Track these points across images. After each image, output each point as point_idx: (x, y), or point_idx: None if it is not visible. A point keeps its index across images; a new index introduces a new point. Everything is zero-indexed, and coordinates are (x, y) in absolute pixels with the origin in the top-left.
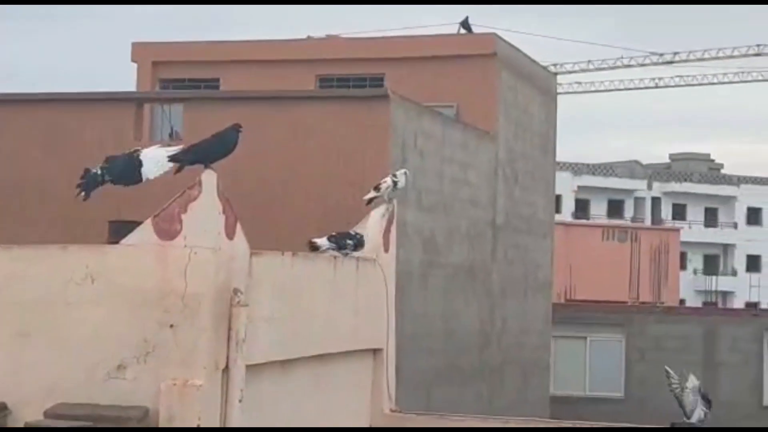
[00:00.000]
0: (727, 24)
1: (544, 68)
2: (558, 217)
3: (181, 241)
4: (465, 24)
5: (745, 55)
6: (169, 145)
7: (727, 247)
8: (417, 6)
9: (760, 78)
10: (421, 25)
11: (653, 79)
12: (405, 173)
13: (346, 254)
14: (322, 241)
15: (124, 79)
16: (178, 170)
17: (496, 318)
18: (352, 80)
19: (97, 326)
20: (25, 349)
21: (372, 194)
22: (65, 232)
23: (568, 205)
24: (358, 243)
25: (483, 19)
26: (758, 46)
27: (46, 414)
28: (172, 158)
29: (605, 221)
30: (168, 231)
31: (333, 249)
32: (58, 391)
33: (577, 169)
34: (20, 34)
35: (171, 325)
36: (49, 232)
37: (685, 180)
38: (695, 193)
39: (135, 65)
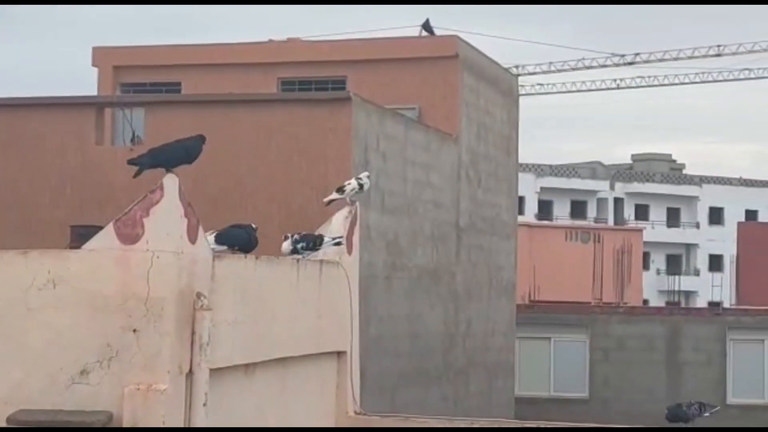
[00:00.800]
0: (687, 25)
1: (506, 70)
2: (521, 219)
3: (143, 245)
4: (426, 26)
5: (706, 56)
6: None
7: (689, 247)
8: (378, 7)
9: (721, 78)
10: (383, 28)
11: (614, 80)
12: (368, 176)
13: (304, 257)
14: (287, 245)
15: (85, 83)
16: (137, 173)
17: (461, 320)
18: (314, 83)
19: (59, 331)
20: None
21: (333, 195)
22: (26, 238)
23: (531, 207)
24: (316, 244)
25: (444, 21)
26: (718, 46)
27: (9, 420)
28: (130, 161)
29: (568, 222)
30: (130, 235)
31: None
32: (20, 398)
33: (539, 170)
34: None
35: (134, 330)
36: (9, 237)
37: (647, 180)
38: (657, 193)
39: (96, 69)
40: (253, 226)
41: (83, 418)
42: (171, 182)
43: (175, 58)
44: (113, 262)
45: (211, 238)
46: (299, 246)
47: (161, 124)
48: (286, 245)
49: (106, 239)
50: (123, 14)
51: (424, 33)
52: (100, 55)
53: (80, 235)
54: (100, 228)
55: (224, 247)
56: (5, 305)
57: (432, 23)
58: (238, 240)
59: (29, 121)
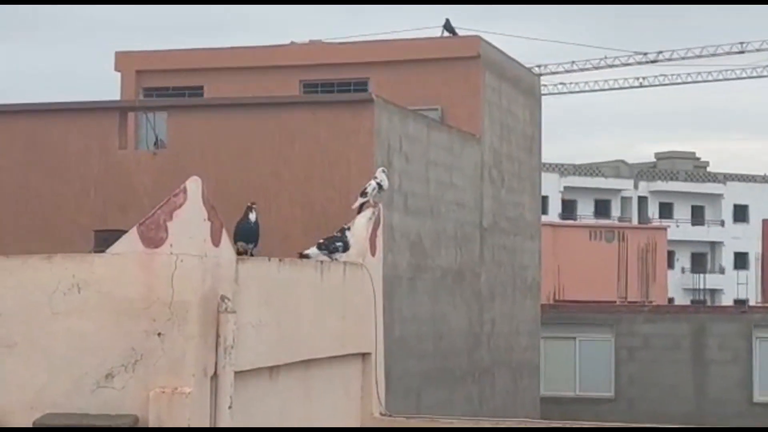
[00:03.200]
0: (710, 22)
1: (528, 70)
2: (545, 218)
3: (167, 248)
4: (448, 26)
5: (729, 53)
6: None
7: (714, 245)
8: (399, 7)
9: (744, 76)
10: (404, 29)
11: (637, 78)
12: (384, 171)
13: (335, 259)
14: (313, 251)
15: (108, 88)
16: None
17: (485, 320)
18: (337, 85)
19: (84, 336)
20: (10, 359)
21: (360, 200)
22: (50, 243)
23: (555, 206)
24: (346, 245)
25: (466, 21)
26: (741, 44)
27: (35, 424)
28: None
29: (592, 221)
30: (154, 239)
31: (325, 255)
32: (46, 402)
33: (563, 169)
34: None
35: (158, 333)
36: (33, 242)
37: (671, 179)
38: (681, 191)
39: (119, 74)
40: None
41: (109, 422)
42: (194, 186)
43: (197, 62)
44: (137, 265)
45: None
46: (338, 245)
47: (184, 128)
48: (313, 250)
49: (130, 243)
50: (145, 19)
51: (446, 33)
52: (122, 60)
53: (104, 240)
54: (124, 232)
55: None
56: (30, 310)
57: (453, 24)
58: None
59: (52, 126)
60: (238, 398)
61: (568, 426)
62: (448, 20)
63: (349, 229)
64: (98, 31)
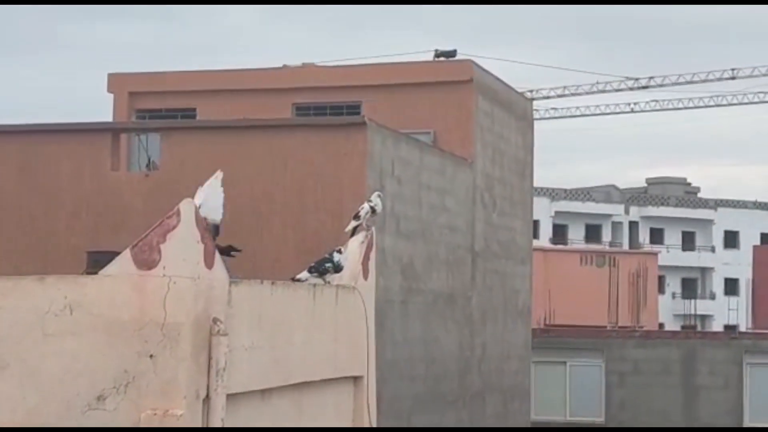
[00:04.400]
0: (701, 48)
1: (520, 94)
2: (536, 243)
3: (159, 270)
4: (441, 53)
5: (720, 79)
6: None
7: (705, 271)
8: (392, 32)
9: (735, 102)
10: (397, 53)
11: (629, 104)
12: (379, 195)
13: (328, 282)
14: (304, 275)
15: (101, 109)
16: None
17: (476, 344)
18: (329, 108)
19: (75, 357)
20: (1, 381)
21: (353, 223)
22: (42, 264)
23: (546, 231)
24: (337, 266)
25: (458, 45)
26: (733, 70)
27: None
28: None
29: (583, 246)
30: (146, 261)
31: (316, 278)
32: (37, 423)
33: (554, 194)
34: None
35: (150, 355)
36: (25, 263)
37: (662, 204)
38: (672, 217)
39: (111, 96)
40: None
41: None
42: (188, 208)
43: (190, 84)
44: (130, 287)
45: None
46: (328, 267)
47: (176, 150)
48: (304, 274)
49: (122, 265)
50: (139, 41)
51: (442, 58)
52: (115, 82)
53: (96, 261)
54: (117, 254)
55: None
56: (22, 331)
57: (445, 48)
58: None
59: (45, 147)
60: (230, 421)
61: None
62: (437, 51)
63: (339, 251)
64: (91, 52)
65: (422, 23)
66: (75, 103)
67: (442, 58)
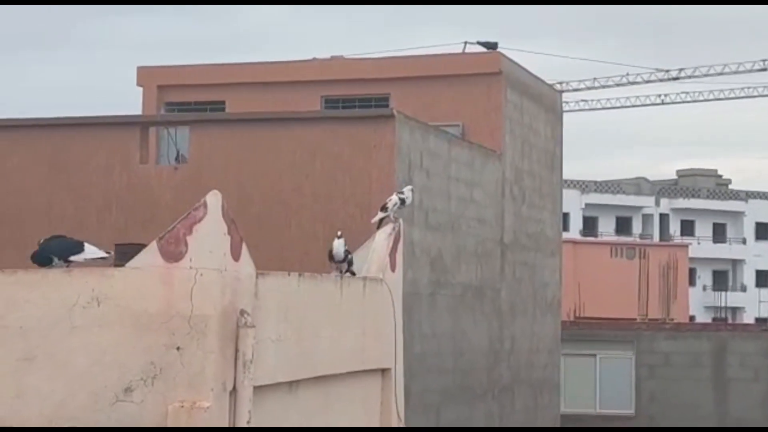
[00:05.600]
0: (732, 40)
1: (550, 86)
2: (566, 235)
3: (186, 262)
4: (487, 44)
5: (751, 71)
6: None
7: (736, 263)
8: (421, 24)
9: (766, 93)
10: (426, 45)
11: (659, 95)
12: (411, 189)
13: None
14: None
15: (130, 103)
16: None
17: (505, 337)
18: (358, 101)
19: (103, 349)
20: (29, 373)
21: (380, 215)
22: None
23: (576, 223)
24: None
25: (487, 38)
26: (764, 61)
27: None
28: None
29: (613, 238)
30: (173, 253)
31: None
32: (65, 415)
33: (584, 186)
34: (25, 59)
35: (178, 348)
36: None
37: (693, 196)
38: (703, 209)
39: (140, 89)
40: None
41: None
42: (214, 200)
43: (219, 77)
44: (157, 279)
45: None
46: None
47: (205, 143)
48: (340, 245)
49: (149, 257)
50: (167, 34)
51: (481, 48)
52: (144, 75)
53: (124, 254)
54: (144, 246)
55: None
56: (50, 324)
57: (473, 41)
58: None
59: (74, 141)
60: (257, 413)
61: None
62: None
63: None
64: (120, 46)
65: (452, 18)
66: (104, 98)
67: (480, 49)
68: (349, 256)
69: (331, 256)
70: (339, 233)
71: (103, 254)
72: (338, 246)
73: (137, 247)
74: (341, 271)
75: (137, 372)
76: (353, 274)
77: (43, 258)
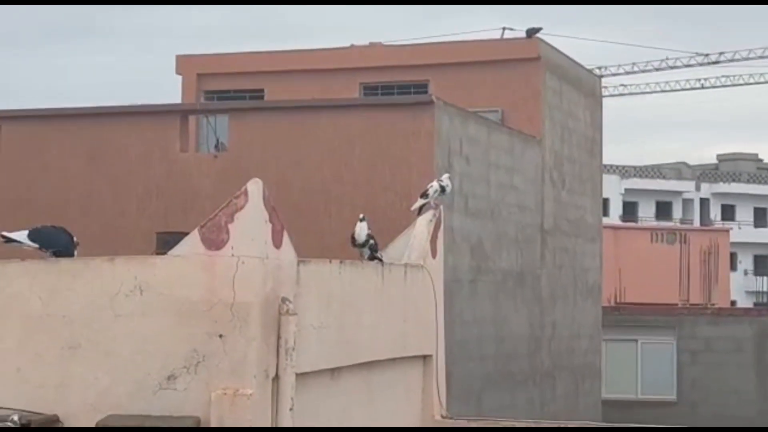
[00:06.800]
0: None
1: (589, 71)
2: (606, 220)
3: (228, 250)
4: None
5: None
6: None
7: None
8: (459, 8)
9: None
10: (464, 31)
11: (699, 80)
12: (449, 177)
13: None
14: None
15: (170, 91)
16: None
17: (546, 323)
18: (396, 87)
19: (146, 337)
20: (74, 361)
21: (420, 202)
22: (112, 246)
23: (616, 208)
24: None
25: (525, 23)
26: None
27: (98, 426)
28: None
29: (654, 223)
30: (215, 241)
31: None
32: (109, 403)
33: (624, 171)
34: (64, 49)
35: (220, 335)
36: (96, 246)
37: (734, 180)
38: (744, 193)
39: (180, 78)
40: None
41: (171, 424)
42: (255, 188)
43: (258, 65)
44: (199, 267)
45: (24, 233)
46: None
47: (245, 131)
48: (362, 229)
49: (191, 245)
50: (206, 22)
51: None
52: (183, 63)
53: (165, 242)
54: (185, 234)
55: (35, 245)
56: (93, 312)
57: (512, 26)
58: (57, 242)
59: (114, 130)
60: (300, 400)
61: (630, 426)
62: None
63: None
64: (159, 35)
65: (492, 5)
66: (143, 87)
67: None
68: (371, 241)
69: (353, 240)
70: (362, 216)
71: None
72: (360, 229)
73: (178, 236)
74: (363, 256)
75: (180, 360)
76: (380, 260)
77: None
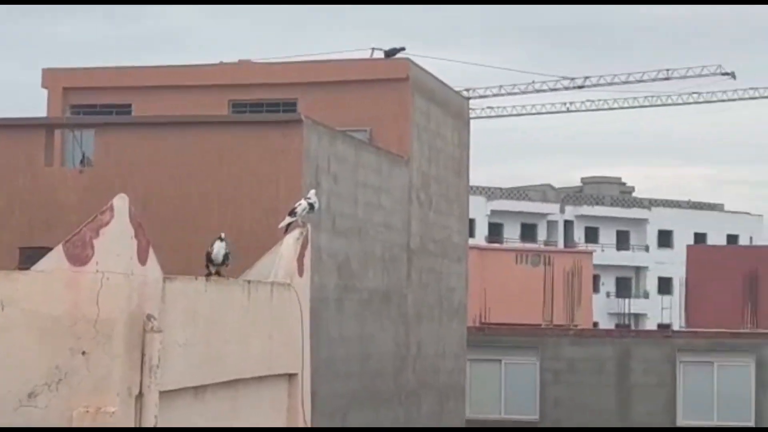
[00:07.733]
0: (636, 49)
1: (457, 93)
2: (472, 241)
3: (92, 266)
4: (392, 51)
5: (654, 80)
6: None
7: (639, 270)
8: (329, 29)
9: (669, 102)
10: (334, 50)
11: (564, 103)
12: (315, 193)
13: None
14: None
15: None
16: None
17: (412, 342)
18: (265, 105)
19: (7, 353)
20: None
21: (288, 220)
22: None
23: (482, 229)
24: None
25: (396, 44)
26: (667, 70)
27: None
28: None
29: (519, 245)
30: (79, 256)
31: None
32: None
33: (490, 193)
34: None
35: (83, 352)
36: None
37: (597, 203)
38: (607, 216)
39: (46, 91)
40: None
41: None
42: (121, 203)
43: (126, 80)
44: (63, 283)
45: None
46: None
47: (111, 146)
48: (220, 248)
49: (55, 260)
50: (73, 35)
51: (384, 54)
52: (49, 77)
53: (28, 257)
54: (50, 249)
55: None
56: None
57: (379, 47)
58: None
59: None
60: (164, 418)
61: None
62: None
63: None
64: (25, 47)
65: (361, 23)
66: (8, 100)
67: (382, 56)
68: (227, 261)
69: (208, 258)
70: (222, 235)
71: None
72: (218, 249)
73: (42, 251)
74: (211, 273)
75: (41, 377)
76: (219, 274)
77: None
